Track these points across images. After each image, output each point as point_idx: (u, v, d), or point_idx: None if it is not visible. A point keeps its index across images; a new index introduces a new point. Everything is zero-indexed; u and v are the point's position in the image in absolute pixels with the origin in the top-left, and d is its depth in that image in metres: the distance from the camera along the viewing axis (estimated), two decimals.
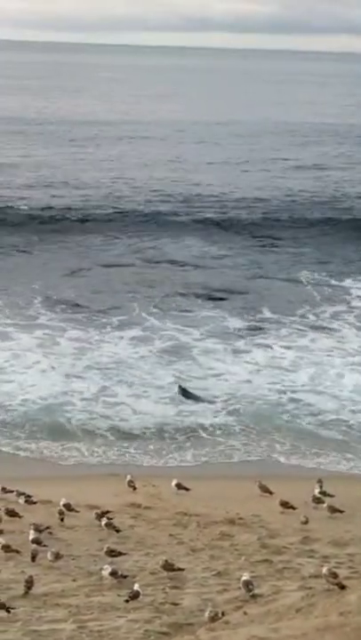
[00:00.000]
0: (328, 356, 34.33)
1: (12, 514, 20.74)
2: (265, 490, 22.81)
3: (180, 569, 18.01)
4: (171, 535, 20.32)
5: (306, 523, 20.98)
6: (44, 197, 60.78)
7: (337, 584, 16.85)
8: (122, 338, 35.44)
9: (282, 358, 33.85)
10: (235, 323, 37.73)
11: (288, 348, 35.02)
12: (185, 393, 29.95)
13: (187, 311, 39.26)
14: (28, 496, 21.67)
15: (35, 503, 21.55)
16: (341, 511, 21.76)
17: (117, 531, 20.16)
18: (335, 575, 17.11)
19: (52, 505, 21.39)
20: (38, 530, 19.63)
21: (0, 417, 28.07)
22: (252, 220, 57.26)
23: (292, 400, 30.12)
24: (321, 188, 68.07)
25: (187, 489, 22.89)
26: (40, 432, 27.33)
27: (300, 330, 37.23)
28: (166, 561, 18.08)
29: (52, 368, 31.94)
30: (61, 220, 55.50)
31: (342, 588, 16.74)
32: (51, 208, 57.63)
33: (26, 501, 21.51)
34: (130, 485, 22.99)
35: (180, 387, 30.27)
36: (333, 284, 44.16)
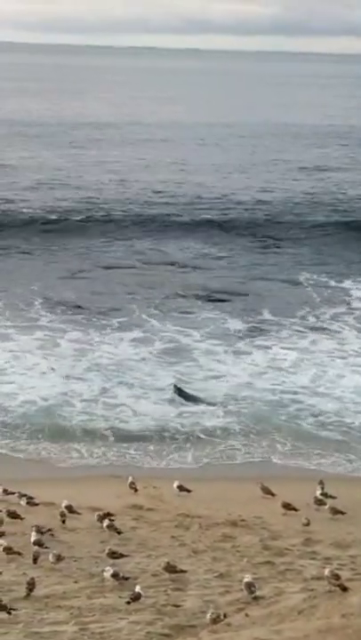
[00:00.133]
0: (328, 357, 34.30)
1: (13, 516, 20.70)
2: (267, 491, 22.77)
3: (182, 571, 18.00)
4: (173, 537, 20.30)
5: (308, 524, 20.95)
6: (45, 199, 60.80)
7: (339, 586, 16.85)
8: (122, 339, 35.39)
9: (282, 360, 33.80)
10: (235, 324, 37.68)
11: (289, 349, 34.98)
12: (180, 392, 29.91)
13: (187, 312, 39.22)
14: (30, 498, 21.64)
15: (36, 505, 21.53)
16: (343, 513, 21.73)
17: (119, 532, 20.12)
18: (337, 577, 17.11)
19: (54, 507, 21.35)
20: (40, 532, 19.61)
21: (0, 418, 28.02)
22: (253, 221, 57.25)
23: (293, 401, 30.06)
24: (322, 190, 68.05)
25: (188, 490, 22.86)
26: (40, 433, 27.23)
27: (301, 331, 37.20)
28: (168, 563, 18.07)
29: (53, 369, 31.89)
30: (62, 222, 55.51)
31: (344, 589, 16.74)
32: (52, 210, 57.65)
33: (27, 503, 21.48)
34: (131, 487, 22.95)
35: (175, 386, 30.25)
36: (334, 285, 44.16)
